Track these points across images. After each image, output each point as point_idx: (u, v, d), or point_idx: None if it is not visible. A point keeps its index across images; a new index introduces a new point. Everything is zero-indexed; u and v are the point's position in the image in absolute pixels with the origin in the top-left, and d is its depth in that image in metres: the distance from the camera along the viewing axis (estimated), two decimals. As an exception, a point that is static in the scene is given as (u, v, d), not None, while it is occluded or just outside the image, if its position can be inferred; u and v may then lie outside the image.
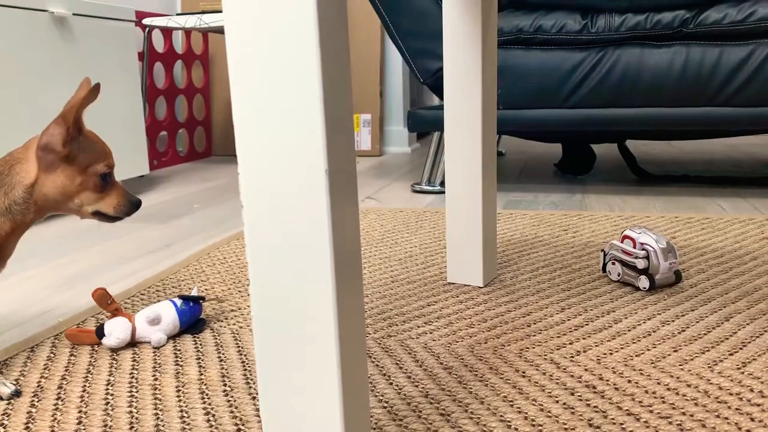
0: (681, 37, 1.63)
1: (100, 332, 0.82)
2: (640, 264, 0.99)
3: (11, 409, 0.69)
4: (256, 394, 0.71)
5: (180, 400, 0.70)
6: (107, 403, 0.70)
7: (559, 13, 1.70)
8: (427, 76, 1.84)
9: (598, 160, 2.20)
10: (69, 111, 0.71)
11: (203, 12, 2.32)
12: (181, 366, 0.78)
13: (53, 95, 1.66)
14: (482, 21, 0.94)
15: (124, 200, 0.77)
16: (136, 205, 0.78)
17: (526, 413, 0.65)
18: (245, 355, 0.81)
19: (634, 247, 1.01)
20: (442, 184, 1.93)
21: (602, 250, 1.08)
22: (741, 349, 0.78)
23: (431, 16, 1.80)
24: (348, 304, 0.48)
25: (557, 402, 0.67)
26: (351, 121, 0.47)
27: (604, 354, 0.78)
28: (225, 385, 0.73)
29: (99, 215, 0.77)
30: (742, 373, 0.72)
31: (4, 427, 0.65)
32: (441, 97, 1.94)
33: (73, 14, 1.73)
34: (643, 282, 0.99)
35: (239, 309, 0.97)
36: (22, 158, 0.73)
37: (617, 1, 1.65)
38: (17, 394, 0.71)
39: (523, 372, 0.74)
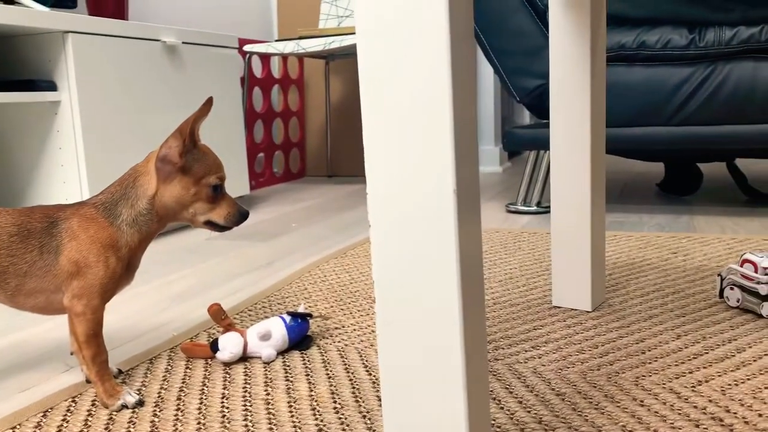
0: (799, 49, 1.54)
1: (214, 346, 0.85)
2: (763, 290, 0.93)
3: (136, 418, 0.72)
4: (367, 412, 0.71)
5: (293, 416, 0.71)
6: (224, 416, 0.72)
7: (664, 28, 1.64)
8: (524, 95, 1.81)
9: (703, 180, 2.10)
10: (185, 125, 0.75)
11: (300, 38, 2.40)
12: (292, 382, 0.80)
13: (164, 118, 1.75)
14: (591, 38, 0.92)
15: (234, 211, 0.80)
16: (244, 216, 0.81)
17: (649, 445, 0.62)
18: (352, 373, 0.81)
19: (756, 272, 0.95)
20: (539, 204, 1.89)
21: (719, 275, 1.02)
22: None
23: (527, 34, 1.78)
24: (473, 321, 0.48)
25: (682, 434, 0.64)
26: (476, 142, 0.47)
27: (729, 385, 0.74)
28: (335, 402, 0.74)
29: (210, 224, 0.80)
30: None
31: (131, 435, 0.69)
32: (538, 116, 1.91)
33: (183, 43, 1.83)
34: (766, 309, 0.93)
35: (342, 327, 0.98)
36: (144, 171, 0.77)
37: (728, 14, 1.57)
38: (141, 403, 0.75)
39: (642, 401, 0.71)
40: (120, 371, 0.84)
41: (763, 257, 0.96)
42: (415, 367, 0.49)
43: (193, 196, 0.78)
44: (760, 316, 0.94)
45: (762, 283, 0.93)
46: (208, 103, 0.77)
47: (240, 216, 0.81)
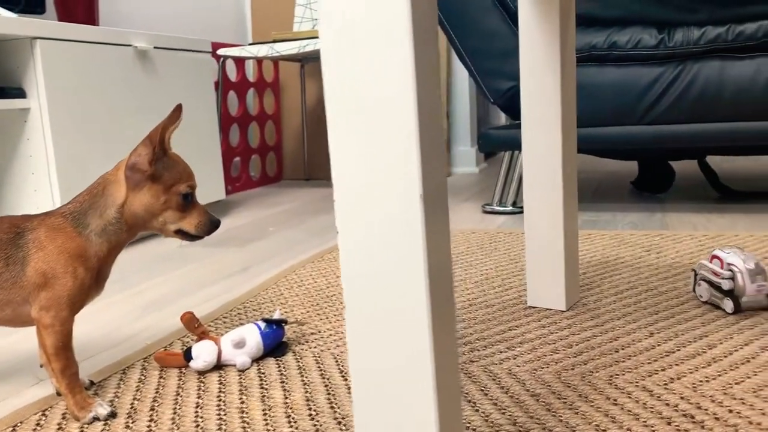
0: (765, 48, 1.56)
1: (188, 355, 0.84)
2: (725, 285, 0.95)
3: (108, 430, 0.71)
4: (342, 418, 0.71)
5: (267, 424, 0.71)
6: (197, 426, 0.71)
7: (634, 28, 1.66)
8: (497, 96, 1.82)
9: (676, 178, 2.13)
10: (155, 132, 0.74)
11: (275, 41, 2.39)
12: (266, 389, 0.79)
13: (137, 125, 1.73)
14: (560, 38, 0.93)
15: (205, 220, 0.79)
16: (215, 224, 0.80)
17: (622, 443, 0.63)
18: (328, 379, 0.81)
19: (722, 268, 0.97)
20: (514, 204, 1.90)
21: (693, 270, 1.03)
22: None
23: (500, 35, 1.79)
24: (442, 324, 0.48)
25: (654, 432, 0.64)
26: (443, 147, 0.47)
27: (701, 381, 0.75)
28: (310, 409, 0.73)
29: (181, 233, 0.79)
30: None
31: (102, 448, 0.67)
32: (512, 117, 1.92)
33: (155, 47, 1.81)
34: (727, 304, 0.95)
35: (319, 332, 0.97)
36: (113, 179, 0.76)
37: (696, 14, 1.60)
38: (113, 415, 0.74)
39: (615, 399, 0.72)
40: (92, 382, 0.83)
41: (729, 253, 0.97)
42: (386, 371, 0.49)
43: (162, 205, 0.77)
44: (729, 312, 0.95)
45: (725, 279, 0.95)
46: (178, 110, 0.76)
47: (211, 225, 0.80)
